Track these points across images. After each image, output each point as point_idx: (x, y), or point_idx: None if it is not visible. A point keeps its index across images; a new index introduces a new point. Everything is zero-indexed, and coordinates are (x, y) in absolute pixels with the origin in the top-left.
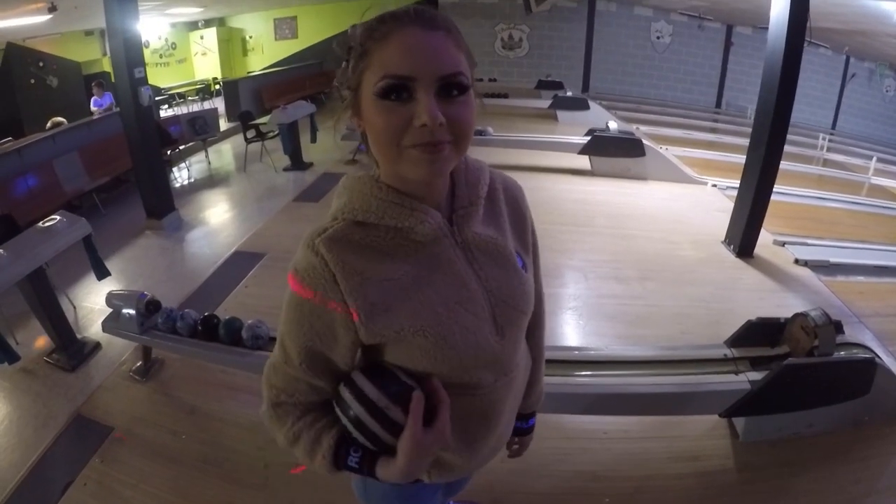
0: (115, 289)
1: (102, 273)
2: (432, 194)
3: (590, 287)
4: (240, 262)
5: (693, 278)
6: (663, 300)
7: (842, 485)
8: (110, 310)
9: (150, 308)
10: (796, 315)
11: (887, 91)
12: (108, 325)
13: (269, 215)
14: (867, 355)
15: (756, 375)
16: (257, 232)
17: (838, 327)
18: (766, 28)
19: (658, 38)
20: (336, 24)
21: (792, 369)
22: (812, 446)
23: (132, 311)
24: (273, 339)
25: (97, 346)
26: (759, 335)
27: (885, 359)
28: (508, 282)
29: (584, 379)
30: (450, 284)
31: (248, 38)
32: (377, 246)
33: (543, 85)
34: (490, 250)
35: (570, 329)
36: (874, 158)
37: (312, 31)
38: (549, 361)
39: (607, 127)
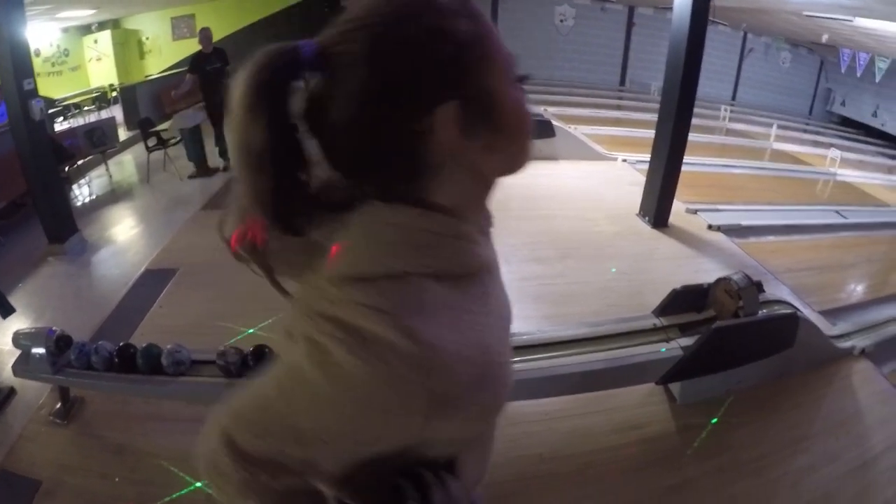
0: (21, 327)
1: (6, 311)
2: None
3: (511, 271)
4: (151, 282)
5: (612, 252)
6: (586, 276)
7: (779, 432)
8: (19, 351)
9: (60, 345)
10: (719, 280)
11: (783, 63)
12: (18, 368)
13: (177, 227)
14: (789, 310)
15: (687, 341)
16: (166, 247)
17: (760, 287)
18: (668, 9)
19: (562, 21)
20: (238, 20)
21: (720, 332)
22: (746, 401)
23: (42, 351)
24: (197, 363)
25: (11, 391)
26: (684, 302)
27: (804, 311)
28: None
29: (520, 365)
30: (501, 318)
31: (144, 39)
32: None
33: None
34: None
35: None
36: (774, 125)
37: (213, 29)
38: None
39: None
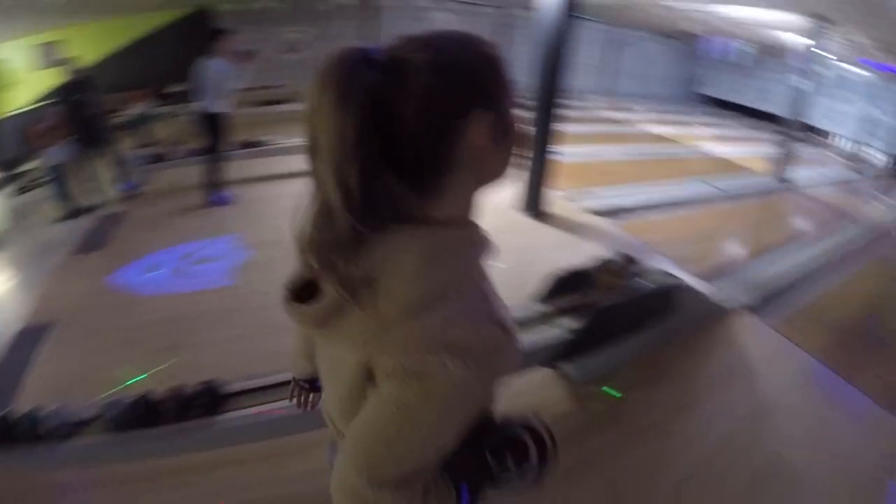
0: None
1: None
2: None
3: None
4: (27, 340)
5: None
6: None
7: (672, 394)
8: None
9: None
10: (600, 260)
11: (650, 53)
12: None
13: (50, 276)
14: (670, 281)
15: (575, 323)
16: (41, 298)
17: (638, 262)
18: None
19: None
20: (111, 42)
21: (606, 310)
22: (639, 370)
23: None
24: (84, 423)
25: None
26: (568, 286)
27: (687, 278)
28: None
29: None
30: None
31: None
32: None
33: None
34: None
35: None
36: (647, 111)
37: (81, 54)
38: None
39: None
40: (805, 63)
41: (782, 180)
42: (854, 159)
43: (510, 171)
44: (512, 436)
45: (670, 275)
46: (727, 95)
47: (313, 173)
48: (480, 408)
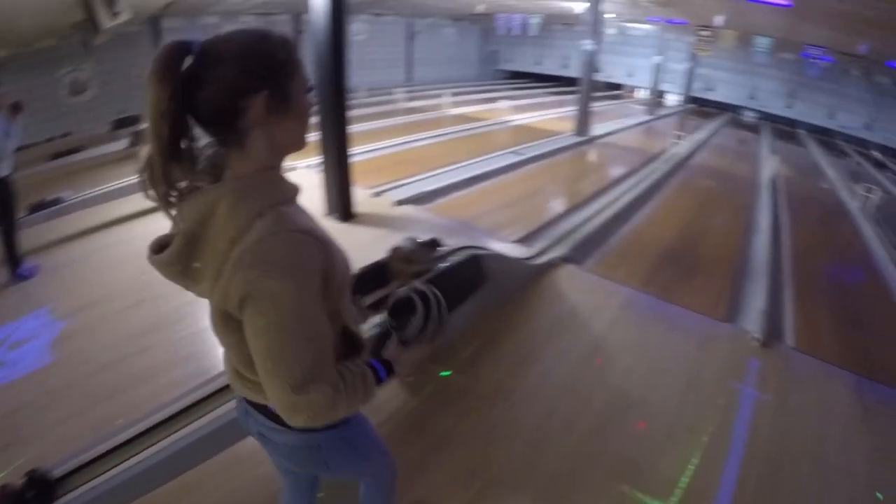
0: None
1: None
2: None
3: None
4: None
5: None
6: None
7: (509, 354)
8: None
9: None
10: (391, 250)
11: (449, 37)
12: None
13: None
14: (472, 253)
15: (379, 319)
16: None
17: (433, 244)
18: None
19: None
20: None
21: (405, 299)
22: (470, 341)
23: None
24: None
25: None
26: (369, 283)
27: (497, 246)
28: None
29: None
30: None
31: None
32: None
33: (121, 123)
34: None
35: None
36: (448, 94)
37: None
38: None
39: None
40: (593, 26)
41: (584, 136)
42: (651, 104)
43: (306, 144)
44: (404, 297)
45: (475, 247)
46: (530, 67)
47: (155, 142)
48: (332, 297)
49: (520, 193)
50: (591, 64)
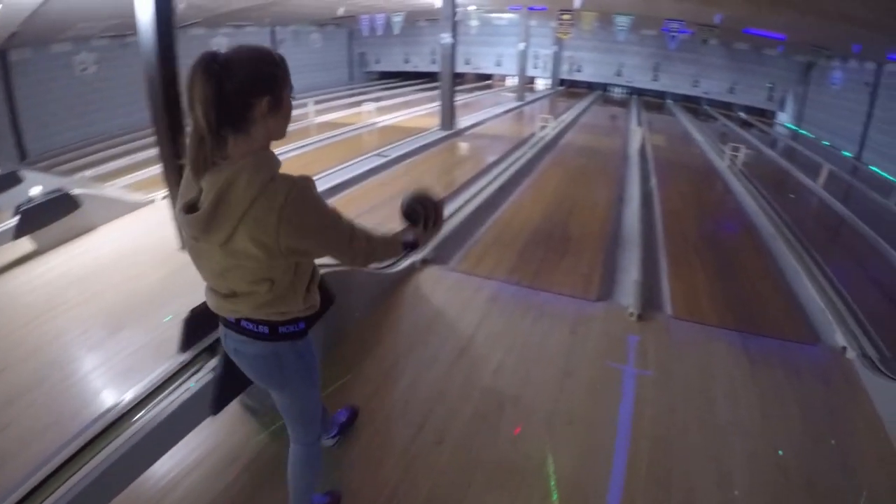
0: None
1: None
2: None
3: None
4: None
5: (164, 299)
6: (141, 339)
7: (375, 367)
8: None
9: None
10: None
11: (315, 43)
12: None
13: None
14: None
15: (215, 360)
16: None
17: None
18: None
19: (83, 70)
20: None
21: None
22: (332, 365)
23: None
24: None
25: None
26: (207, 322)
27: None
28: None
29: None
30: None
31: None
32: None
33: None
34: None
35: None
36: (316, 102)
37: None
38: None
39: (30, 197)
40: (450, 20)
41: (450, 129)
42: (520, 90)
43: (284, 133)
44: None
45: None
46: (400, 66)
47: (192, 118)
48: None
49: (383, 197)
50: (451, 57)
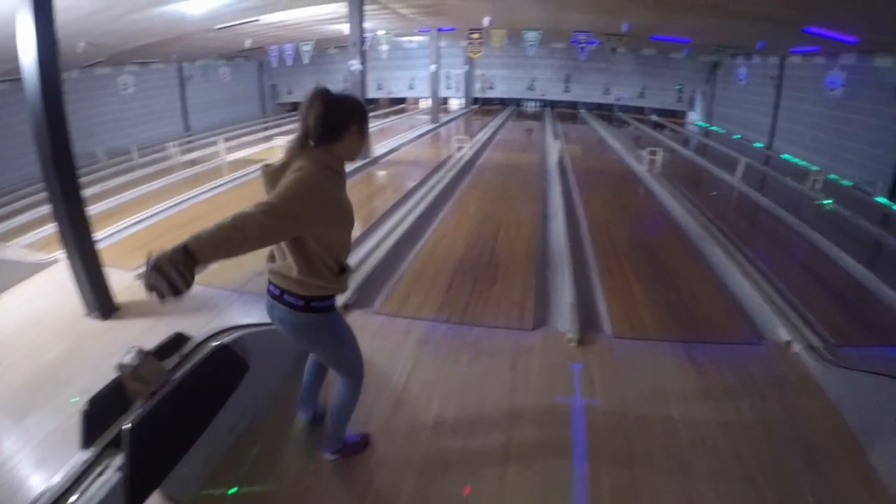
0: None
1: None
2: None
3: None
4: None
5: (66, 376)
6: (41, 432)
7: (297, 457)
8: None
9: None
10: (118, 368)
11: (225, 78)
12: None
13: None
14: (218, 344)
15: (121, 458)
16: None
17: (163, 352)
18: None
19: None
20: None
21: (145, 424)
22: (244, 453)
23: None
24: None
25: None
26: (109, 411)
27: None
28: None
29: None
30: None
31: None
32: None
33: None
34: None
35: None
36: (221, 140)
37: None
38: None
39: None
40: (358, 46)
41: (365, 158)
42: (434, 112)
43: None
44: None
45: (233, 327)
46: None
47: (303, 126)
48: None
49: None
50: (361, 84)
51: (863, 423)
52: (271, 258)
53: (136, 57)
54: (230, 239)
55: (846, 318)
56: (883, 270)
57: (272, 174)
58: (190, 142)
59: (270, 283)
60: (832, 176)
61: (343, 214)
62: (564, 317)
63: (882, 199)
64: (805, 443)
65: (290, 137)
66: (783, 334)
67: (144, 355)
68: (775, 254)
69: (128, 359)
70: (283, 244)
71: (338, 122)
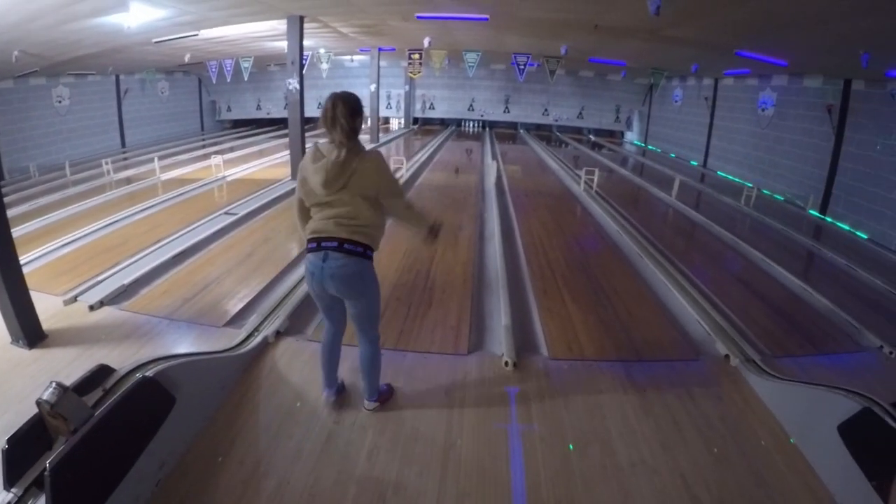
0: None
1: None
2: None
3: None
4: None
5: None
6: None
7: (226, 498)
8: None
9: None
10: (37, 404)
11: (163, 92)
12: None
13: None
14: (142, 378)
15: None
16: None
17: (84, 386)
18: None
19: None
20: None
21: (67, 464)
22: (171, 496)
23: None
24: None
25: None
26: (31, 449)
27: (195, 342)
28: None
29: None
30: None
31: None
32: None
33: None
34: None
35: None
36: (156, 158)
37: None
38: None
39: None
40: (300, 64)
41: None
42: (374, 132)
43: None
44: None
45: (158, 358)
46: (252, 113)
47: (333, 128)
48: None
49: (232, 261)
50: (299, 104)
51: (804, 434)
52: (307, 219)
53: (73, 68)
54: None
55: (783, 328)
56: (815, 279)
57: (339, 167)
58: (126, 158)
59: (322, 239)
60: (766, 191)
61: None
62: (500, 340)
63: (814, 212)
64: (748, 457)
65: (326, 141)
66: (721, 349)
67: (64, 391)
68: (711, 269)
69: (46, 395)
70: (359, 200)
71: (360, 116)
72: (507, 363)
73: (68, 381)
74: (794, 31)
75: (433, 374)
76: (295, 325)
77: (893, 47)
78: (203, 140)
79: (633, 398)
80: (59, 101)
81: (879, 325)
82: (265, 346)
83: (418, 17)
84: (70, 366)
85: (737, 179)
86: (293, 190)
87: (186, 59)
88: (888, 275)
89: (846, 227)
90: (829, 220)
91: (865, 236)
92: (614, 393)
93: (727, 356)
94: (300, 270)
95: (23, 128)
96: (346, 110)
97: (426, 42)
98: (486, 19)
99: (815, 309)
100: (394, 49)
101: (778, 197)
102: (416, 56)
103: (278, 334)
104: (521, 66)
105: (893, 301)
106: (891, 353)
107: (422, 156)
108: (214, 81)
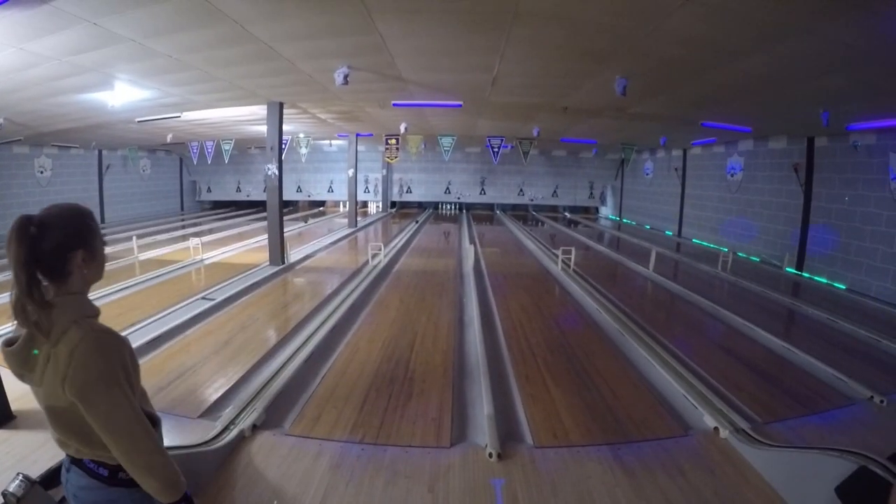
0: None
1: None
2: None
3: None
4: None
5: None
6: None
7: None
8: None
9: None
10: (3, 495)
11: (144, 170)
12: None
13: None
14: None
15: None
16: None
17: (52, 479)
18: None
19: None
20: None
21: None
22: None
23: None
24: None
25: None
26: None
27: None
28: None
29: None
30: None
31: None
32: None
33: None
34: None
35: None
36: (134, 237)
37: None
38: None
39: None
40: (279, 149)
41: (280, 265)
42: (352, 216)
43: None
44: None
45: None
46: (232, 195)
47: (13, 276)
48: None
49: (208, 349)
50: (278, 189)
51: (801, 500)
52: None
53: (57, 140)
54: None
55: (769, 392)
56: (798, 337)
57: (16, 356)
58: (104, 235)
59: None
60: (741, 254)
61: (132, 355)
62: (483, 430)
63: (791, 269)
64: None
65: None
66: (709, 422)
67: (30, 484)
68: (693, 339)
69: (13, 487)
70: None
71: (54, 258)
72: (490, 454)
73: (35, 469)
74: (753, 97)
75: (416, 468)
76: (272, 418)
77: (851, 102)
78: (183, 220)
79: (623, 482)
80: (41, 172)
81: (867, 374)
82: (241, 439)
83: (394, 105)
84: (40, 448)
85: (712, 245)
86: (272, 275)
87: (168, 139)
88: (870, 322)
89: (824, 280)
90: (806, 275)
91: (844, 287)
92: (604, 478)
93: (716, 428)
94: (277, 360)
95: (3, 195)
96: (22, 253)
97: (402, 128)
98: (460, 105)
99: (801, 367)
100: (371, 134)
101: (754, 258)
102: (393, 141)
103: (255, 428)
104: (496, 149)
105: (878, 349)
106: (882, 401)
107: (400, 240)
108: (196, 162)
